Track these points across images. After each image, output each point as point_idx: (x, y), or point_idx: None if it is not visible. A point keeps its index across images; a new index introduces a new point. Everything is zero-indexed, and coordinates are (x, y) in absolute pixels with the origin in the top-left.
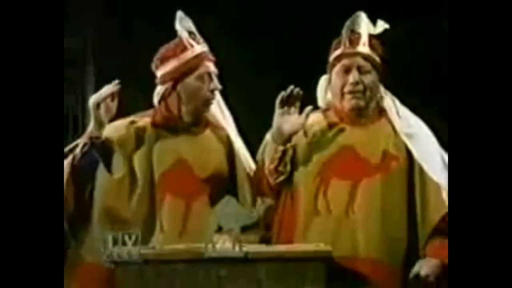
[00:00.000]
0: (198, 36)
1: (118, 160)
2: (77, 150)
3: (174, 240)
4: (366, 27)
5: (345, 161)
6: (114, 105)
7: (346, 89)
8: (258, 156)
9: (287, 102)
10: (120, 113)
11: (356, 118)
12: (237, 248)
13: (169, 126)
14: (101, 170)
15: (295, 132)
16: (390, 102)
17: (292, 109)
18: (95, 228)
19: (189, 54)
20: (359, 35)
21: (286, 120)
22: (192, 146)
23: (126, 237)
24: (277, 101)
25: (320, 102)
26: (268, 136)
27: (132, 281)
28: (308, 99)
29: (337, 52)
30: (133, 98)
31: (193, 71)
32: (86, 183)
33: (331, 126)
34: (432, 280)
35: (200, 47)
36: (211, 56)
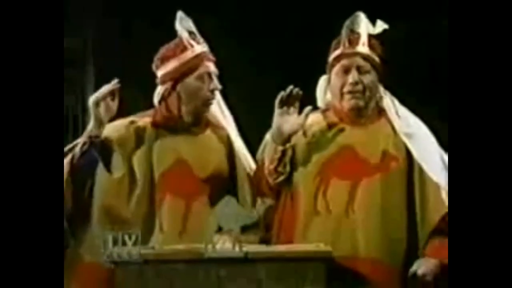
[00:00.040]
0: (198, 36)
1: (117, 160)
2: (77, 149)
3: (174, 240)
4: (366, 27)
5: (344, 161)
6: (114, 105)
7: (346, 89)
8: (258, 156)
9: (286, 102)
10: (120, 113)
11: (355, 118)
12: (237, 248)
13: (169, 126)
14: (100, 169)
15: (294, 132)
16: (389, 102)
17: (292, 109)
18: (95, 228)
19: (189, 54)
20: (358, 35)
21: (285, 120)
22: (192, 146)
23: (126, 237)
24: (277, 101)
25: (320, 102)
26: (267, 136)
27: (132, 281)
28: (308, 99)
29: (337, 52)
30: (133, 98)
31: (193, 71)
32: (85, 182)
33: (330, 126)
34: (430, 279)
35: (200, 47)
36: (211, 56)
